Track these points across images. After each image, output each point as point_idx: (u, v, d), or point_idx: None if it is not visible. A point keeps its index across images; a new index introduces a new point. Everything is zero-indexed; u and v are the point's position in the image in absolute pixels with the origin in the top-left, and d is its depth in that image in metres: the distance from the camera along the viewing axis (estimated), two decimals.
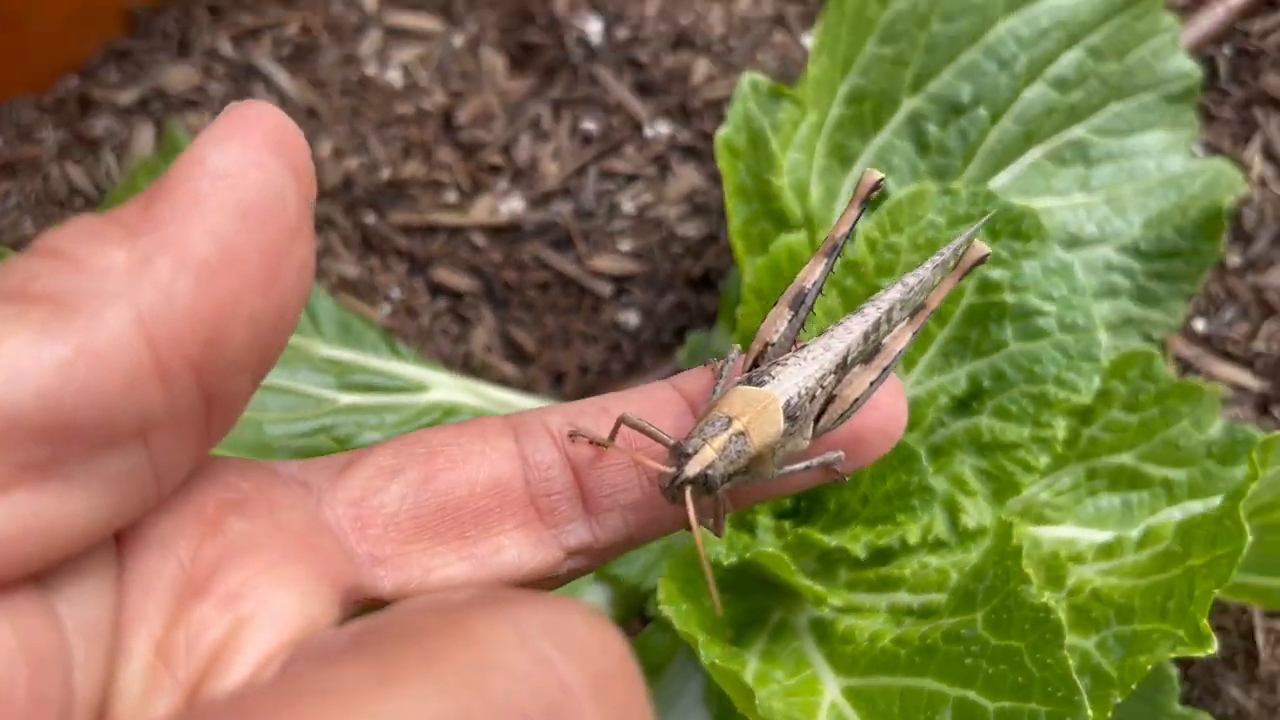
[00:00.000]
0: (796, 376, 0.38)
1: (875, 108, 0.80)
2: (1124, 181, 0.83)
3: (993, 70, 0.80)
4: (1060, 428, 0.71)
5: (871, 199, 0.41)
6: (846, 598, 0.70)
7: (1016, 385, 0.71)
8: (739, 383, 0.38)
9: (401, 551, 0.34)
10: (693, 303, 0.99)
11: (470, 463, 0.35)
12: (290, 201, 0.29)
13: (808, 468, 0.38)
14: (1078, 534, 0.77)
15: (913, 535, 0.69)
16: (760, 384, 0.38)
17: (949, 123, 0.80)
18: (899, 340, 0.40)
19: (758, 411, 0.36)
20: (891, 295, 0.41)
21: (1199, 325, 0.99)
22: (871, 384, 0.39)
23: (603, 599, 0.77)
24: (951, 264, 0.41)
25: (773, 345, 0.40)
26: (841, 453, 0.38)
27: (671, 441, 0.36)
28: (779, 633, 0.71)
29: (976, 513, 0.71)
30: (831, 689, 0.63)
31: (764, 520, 0.74)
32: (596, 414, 0.38)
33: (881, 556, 0.71)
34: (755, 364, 0.40)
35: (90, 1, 1.08)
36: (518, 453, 0.36)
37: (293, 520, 0.32)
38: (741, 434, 0.35)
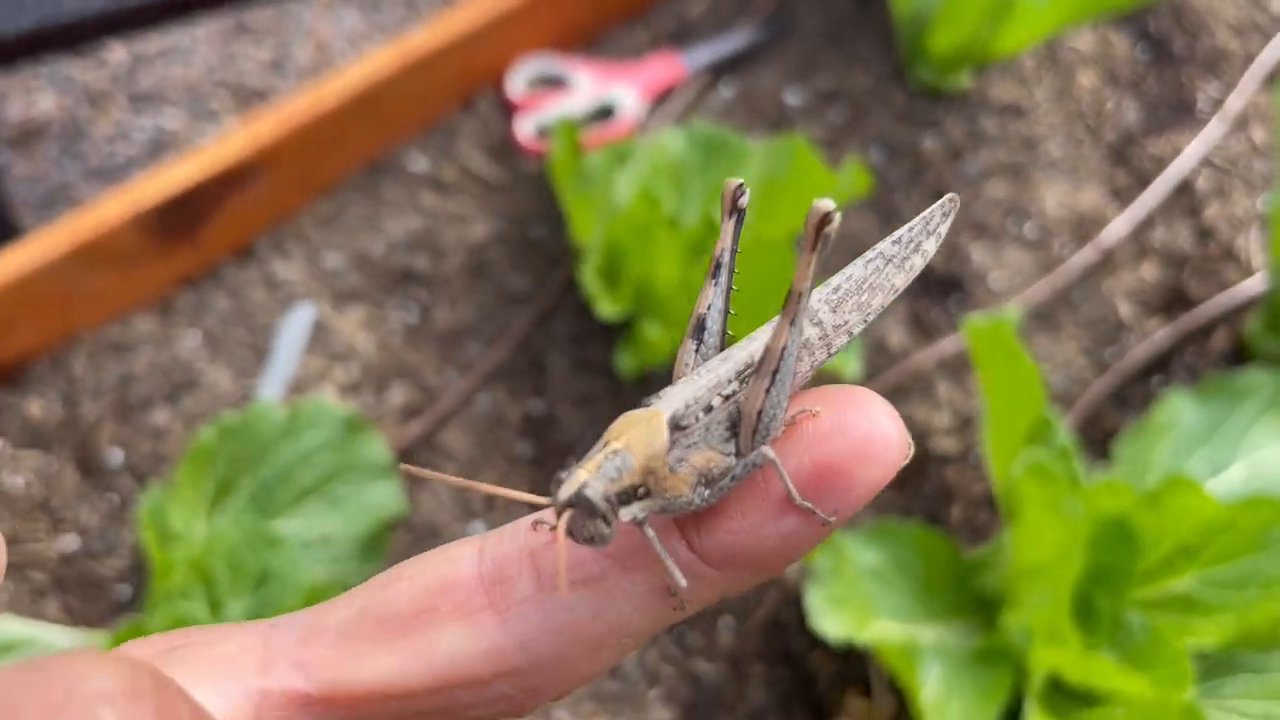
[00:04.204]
0: (685, 391, 0.37)
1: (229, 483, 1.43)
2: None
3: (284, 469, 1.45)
4: None
5: (740, 207, 0.39)
6: None
7: None
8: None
9: (334, 656, 0.35)
10: None
11: (424, 574, 0.36)
12: None
13: (734, 478, 0.35)
14: None
15: None
16: (646, 405, 0.37)
17: (260, 494, 1.47)
18: (777, 338, 0.36)
19: (639, 428, 0.35)
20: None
21: None
22: (768, 391, 0.35)
23: None
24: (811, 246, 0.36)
25: None
26: (769, 450, 0.35)
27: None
28: None
29: None
30: None
31: None
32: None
33: None
34: None
35: None
36: (478, 551, 0.36)
37: (224, 650, 0.34)
38: (619, 450, 0.35)
